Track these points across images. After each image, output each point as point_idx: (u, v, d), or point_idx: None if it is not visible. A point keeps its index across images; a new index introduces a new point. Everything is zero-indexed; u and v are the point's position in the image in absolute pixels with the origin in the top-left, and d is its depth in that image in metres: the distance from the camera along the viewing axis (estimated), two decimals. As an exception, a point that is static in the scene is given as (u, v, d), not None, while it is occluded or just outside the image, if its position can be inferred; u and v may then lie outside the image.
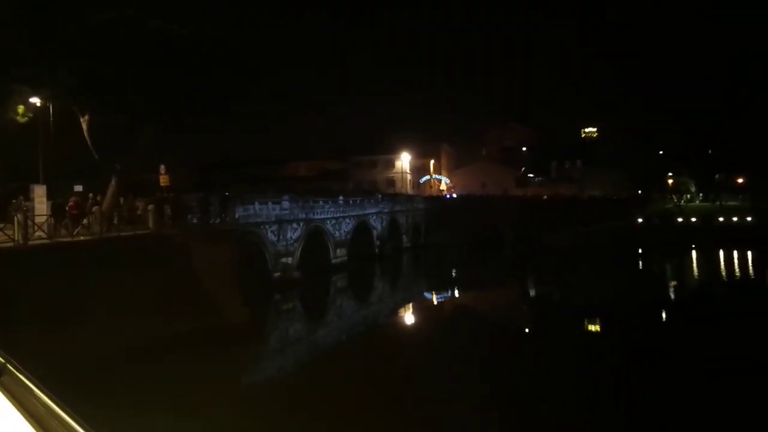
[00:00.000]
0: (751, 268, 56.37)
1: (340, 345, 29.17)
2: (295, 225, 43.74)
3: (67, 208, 26.11)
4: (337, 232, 51.32)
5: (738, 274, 52.96)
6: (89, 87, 28.19)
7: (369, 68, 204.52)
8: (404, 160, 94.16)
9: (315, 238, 47.16)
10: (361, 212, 56.90)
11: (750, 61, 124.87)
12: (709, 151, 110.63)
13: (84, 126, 31.26)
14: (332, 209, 50.97)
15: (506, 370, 22.59)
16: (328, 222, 49.79)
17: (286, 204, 42.86)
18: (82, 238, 24.65)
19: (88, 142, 31.57)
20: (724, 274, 53.09)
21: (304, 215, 45.42)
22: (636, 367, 22.95)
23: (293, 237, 43.31)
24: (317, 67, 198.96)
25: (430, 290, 47.25)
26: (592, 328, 32.51)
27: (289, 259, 42.26)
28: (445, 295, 45.31)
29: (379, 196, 66.50)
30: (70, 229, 24.53)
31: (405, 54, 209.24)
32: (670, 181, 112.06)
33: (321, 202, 49.33)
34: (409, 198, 77.75)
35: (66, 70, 27.15)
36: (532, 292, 46.95)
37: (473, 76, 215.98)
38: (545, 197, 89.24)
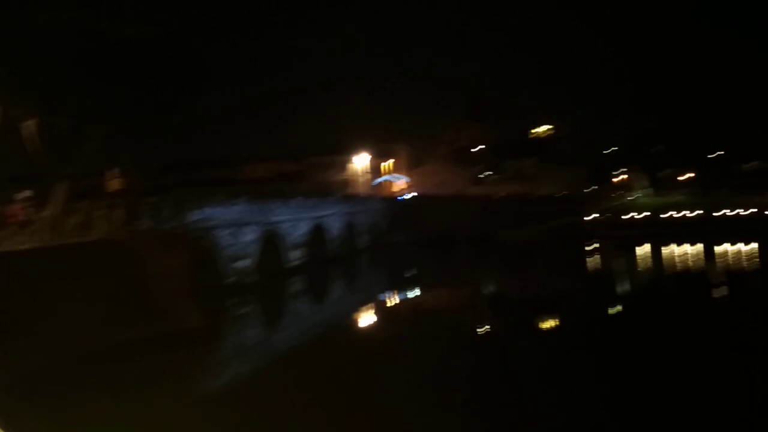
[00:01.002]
0: (700, 259, 57.80)
1: (294, 349, 28.88)
2: (250, 228, 43.32)
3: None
4: (293, 234, 50.96)
5: (689, 264, 54.37)
6: (28, 89, 27.51)
7: (335, 66, 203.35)
8: (361, 161, 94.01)
9: (271, 241, 46.80)
10: (317, 213, 56.61)
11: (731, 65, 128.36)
12: (661, 147, 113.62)
13: (27, 131, 30.48)
14: (288, 211, 50.60)
15: (460, 365, 22.83)
16: (284, 224, 49.41)
17: (240, 207, 42.44)
18: (27, 246, 24.05)
19: (33, 147, 30.82)
20: (674, 265, 54.64)
21: (259, 218, 45.03)
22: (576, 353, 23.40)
23: (248, 240, 42.89)
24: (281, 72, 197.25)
25: (388, 290, 47.22)
26: (545, 319, 32.98)
27: (244, 263, 41.86)
28: (403, 294, 45.40)
29: (336, 197, 66.35)
30: (11, 238, 23.91)
31: (375, 50, 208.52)
32: (623, 177, 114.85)
33: (277, 204, 48.98)
34: (367, 198, 77.77)
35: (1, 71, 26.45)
36: (487, 288, 47.57)
37: (435, 68, 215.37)
38: (501, 195, 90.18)
